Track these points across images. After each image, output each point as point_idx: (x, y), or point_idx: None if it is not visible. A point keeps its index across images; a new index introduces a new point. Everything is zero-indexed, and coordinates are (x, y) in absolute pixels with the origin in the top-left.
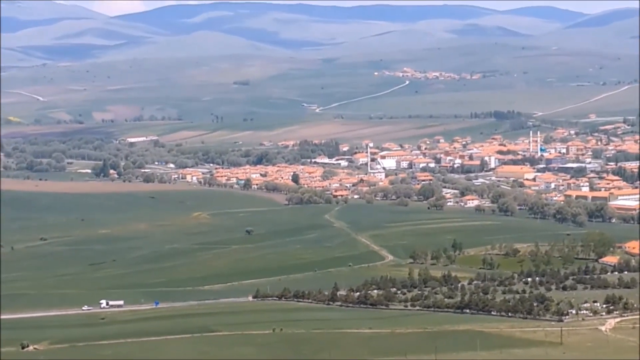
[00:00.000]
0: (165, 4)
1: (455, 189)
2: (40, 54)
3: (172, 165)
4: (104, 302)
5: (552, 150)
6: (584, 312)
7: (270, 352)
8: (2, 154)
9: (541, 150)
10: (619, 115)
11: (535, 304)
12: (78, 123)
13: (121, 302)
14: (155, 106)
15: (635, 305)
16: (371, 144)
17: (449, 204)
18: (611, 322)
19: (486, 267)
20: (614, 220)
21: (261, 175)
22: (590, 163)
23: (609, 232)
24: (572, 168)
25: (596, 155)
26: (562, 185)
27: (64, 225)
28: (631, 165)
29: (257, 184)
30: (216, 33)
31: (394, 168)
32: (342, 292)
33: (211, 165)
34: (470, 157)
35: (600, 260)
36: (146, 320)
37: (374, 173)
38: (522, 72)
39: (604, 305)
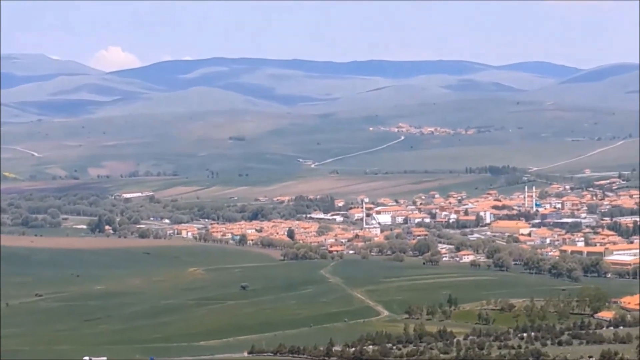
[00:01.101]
0: (161, 59)
1: (450, 244)
2: (35, 110)
3: (167, 221)
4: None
5: (547, 205)
6: None
7: None
8: None
9: (536, 205)
10: (614, 170)
11: (530, 359)
12: (73, 179)
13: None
14: (150, 162)
15: None
16: (366, 199)
17: (444, 259)
18: None
19: (482, 322)
20: (609, 275)
21: (256, 230)
22: (585, 218)
23: (604, 287)
24: (567, 223)
25: (591, 210)
26: (558, 240)
27: (59, 281)
28: (626, 220)
29: (252, 240)
30: (212, 89)
31: (390, 223)
32: (337, 348)
33: (206, 220)
34: (466, 212)
35: (595, 316)
36: None
37: (369, 228)
38: (517, 127)
39: None
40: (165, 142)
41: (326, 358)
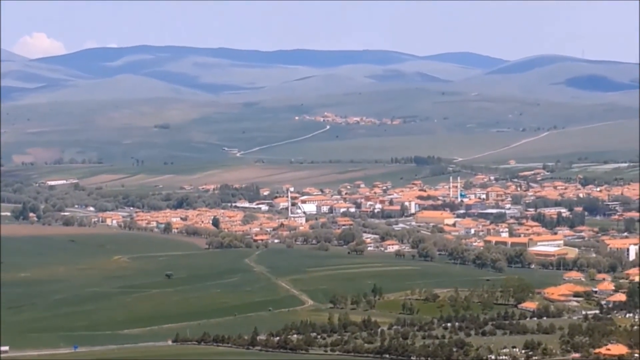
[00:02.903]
0: (87, 46)
1: (375, 234)
2: None
3: (92, 209)
4: None
5: (472, 196)
6: (503, 357)
7: None
8: None
9: (461, 195)
10: (538, 161)
11: (454, 349)
12: None
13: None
14: (75, 149)
15: (554, 351)
16: (292, 189)
17: (369, 248)
18: None
19: (406, 312)
20: (533, 266)
21: (181, 219)
22: (509, 209)
23: (528, 278)
24: (491, 214)
25: (516, 201)
26: (482, 230)
27: None
28: (550, 212)
29: (177, 228)
30: (137, 76)
31: (315, 212)
32: (262, 337)
33: (131, 208)
34: (391, 202)
35: (519, 306)
36: None
37: (294, 217)
38: (442, 118)
39: (523, 351)
40: (90, 130)
41: (250, 347)
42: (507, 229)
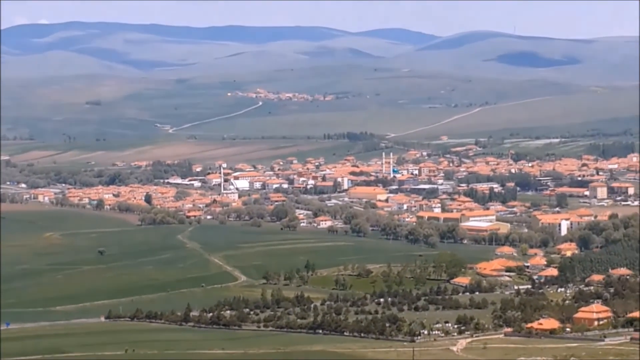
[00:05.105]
0: (16, 23)
1: (308, 210)
2: None
3: (23, 185)
4: None
5: (405, 172)
6: (436, 332)
7: None
8: None
9: (393, 171)
10: (470, 137)
11: (387, 325)
12: None
13: None
14: (6, 126)
15: (486, 326)
16: (224, 165)
17: (302, 224)
18: (462, 342)
19: (339, 288)
20: (465, 242)
21: (114, 195)
22: (442, 184)
23: (460, 253)
24: (424, 189)
25: (448, 176)
26: (415, 206)
27: None
28: (482, 187)
29: (109, 205)
30: (68, 53)
31: (247, 189)
32: (194, 313)
33: (63, 185)
34: (323, 178)
35: (451, 281)
36: None
37: (227, 194)
38: (374, 94)
39: (456, 326)
40: (21, 107)
41: (183, 323)
42: (439, 205)
